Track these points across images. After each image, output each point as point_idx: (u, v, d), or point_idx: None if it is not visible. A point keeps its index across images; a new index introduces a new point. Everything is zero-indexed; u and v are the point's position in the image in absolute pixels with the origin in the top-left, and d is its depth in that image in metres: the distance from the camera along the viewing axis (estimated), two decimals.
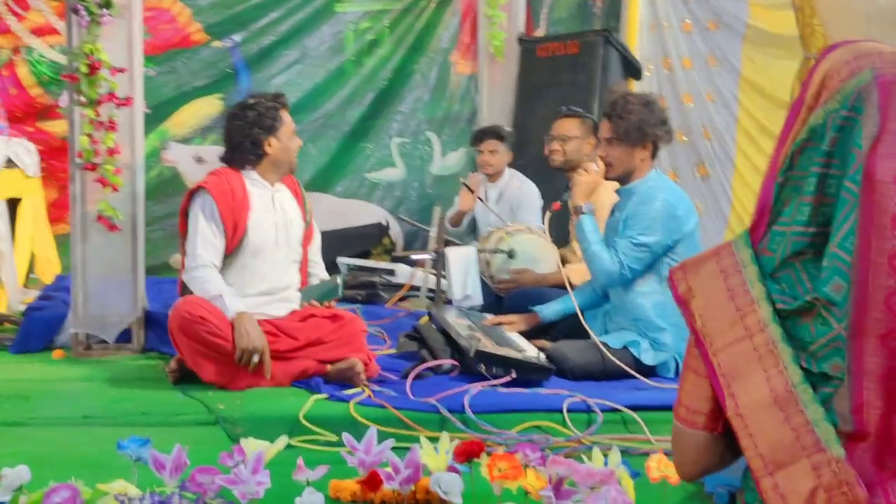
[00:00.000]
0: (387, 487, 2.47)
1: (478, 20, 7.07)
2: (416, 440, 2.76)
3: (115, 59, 4.16)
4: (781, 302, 1.65)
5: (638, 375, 3.79)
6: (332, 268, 4.63)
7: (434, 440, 2.59)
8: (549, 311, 4.24)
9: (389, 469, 2.46)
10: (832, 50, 1.70)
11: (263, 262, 3.87)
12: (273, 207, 3.92)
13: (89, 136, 4.11)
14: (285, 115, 3.89)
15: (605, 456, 2.52)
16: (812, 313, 1.61)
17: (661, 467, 2.55)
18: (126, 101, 4.14)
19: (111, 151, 4.15)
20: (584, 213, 3.98)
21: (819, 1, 3.64)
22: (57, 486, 2.33)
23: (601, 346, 3.82)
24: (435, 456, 2.48)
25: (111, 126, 4.15)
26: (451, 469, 2.47)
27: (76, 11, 4.04)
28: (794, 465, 1.58)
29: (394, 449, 2.53)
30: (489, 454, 2.50)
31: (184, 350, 3.67)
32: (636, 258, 3.86)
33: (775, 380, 1.64)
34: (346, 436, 2.51)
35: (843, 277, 1.57)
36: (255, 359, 3.59)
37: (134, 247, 4.36)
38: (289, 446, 2.69)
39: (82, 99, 4.08)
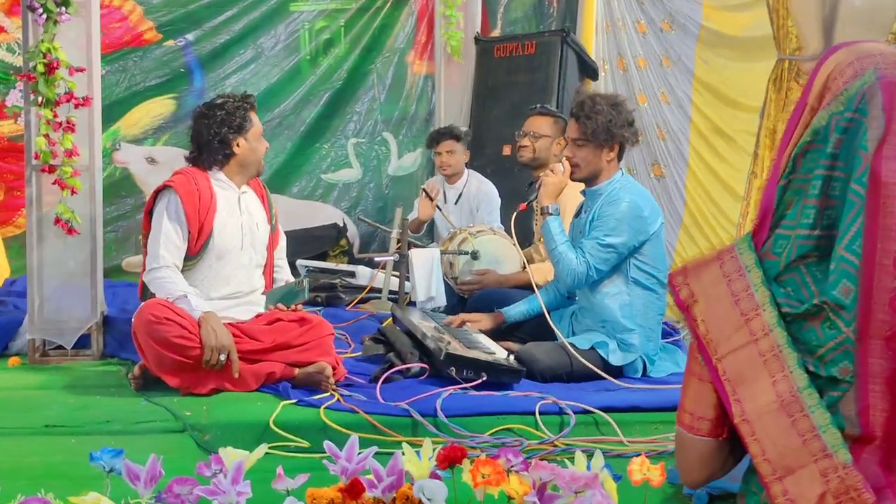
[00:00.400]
0: (368, 495, 2.41)
1: (434, 20, 7.03)
2: (388, 445, 2.72)
3: (73, 58, 4.05)
4: (787, 306, 1.63)
5: (608, 376, 3.79)
6: (292, 270, 4.56)
7: (412, 445, 2.54)
8: (515, 311, 4.22)
9: (371, 476, 2.40)
10: (834, 51, 1.68)
11: (228, 265, 3.81)
12: (239, 210, 3.86)
13: (46, 136, 3.99)
14: (254, 116, 3.85)
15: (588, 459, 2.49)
16: (820, 317, 1.60)
17: (643, 470, 2.53)
18: (85, 101, 4.03)
19: (69, 153, 4.04)
20: (551, 213, 3.96)
21: (793, 3, 3.68)
22: (28, 499, 2.24)
23: (569, 348, 3.81)
24: (418, 462, 2.43)
25: (69, 127, 4.02)
26: (433, 475, 2.43)
27: (32, 9, 3.91)
28: (802, 470, 1.57)
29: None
30: (471, 460, 2.46)
31: (148, 354, 3.59)
32: (602, 259, 3.85)
33: (781, 384, 1.62)
34: (327, 443, 2.45)
35: (852, 280, 1.56)
36: (223, 357, 3.51)
37: (92, 250, 4.25)
38: None
39: (39, 99, 3.95)
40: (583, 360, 3.78)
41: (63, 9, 3.91)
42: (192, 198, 3.72)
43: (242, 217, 3.86)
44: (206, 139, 3.77)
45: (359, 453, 2.43)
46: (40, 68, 3.91)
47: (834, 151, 1.61)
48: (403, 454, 2.43)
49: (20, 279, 5.59)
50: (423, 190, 5.69)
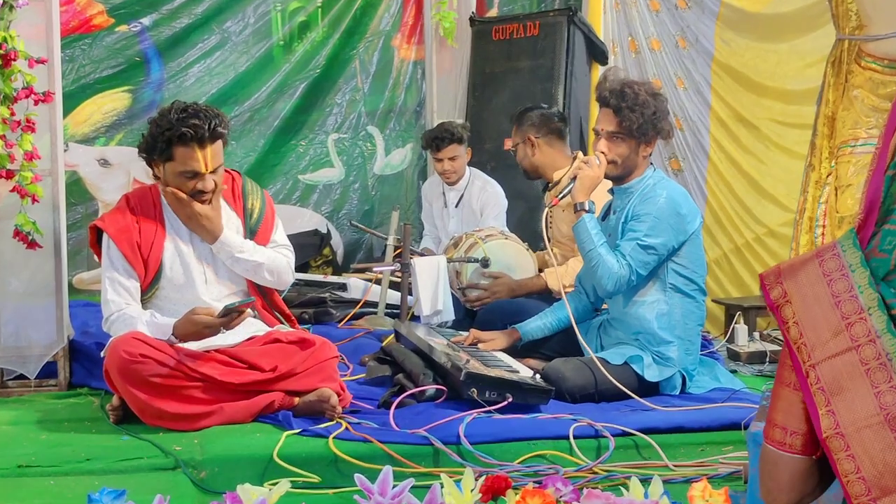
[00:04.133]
0: None
1: None
2: (406, 477, 2.75)
3: (31, 48, 4.03)
4: None
5: (639, 398, 3.81)
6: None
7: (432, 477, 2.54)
8: (532, 327, 4.24)
9: None
10: None
11: (194, 298, 3.77)
12: (191, 239, 3.84)
13: (3, 138, 3.97)
14: (181, 151, 3.66)
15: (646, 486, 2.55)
16: None
17: (705, 496, 2.58)
18: (46, 97, 4.02)
19: (29, 156, 4.01)
20: (587, 211, 3.98)
21: None
22: None
23: (600, 366, 3.83)
24: (459, 495, 2.46)
25: (29, 126, 4.01)
26: None
27: None
28: None
29: None
30: (516, 490, 2.50)
31: (127, 399, 3.59)
32: (643, 262, 3.90)
33: (887, 396, 1.65)
34: (358, 477, 2.48)
35: None
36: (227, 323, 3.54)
37: (57, 266, 4.25)
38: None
39: None
40: (613, 380, 3.81)
41: None
42: (126, 235, 3.74)
43: (196, 248, 3.83)
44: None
45: (393, 486, 2.47)
46: None
47: None
48: (442, 486, 2.47)
49: None
50: None
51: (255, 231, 3.95)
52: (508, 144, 5.13)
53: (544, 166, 4.99)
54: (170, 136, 3.62)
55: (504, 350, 4.18)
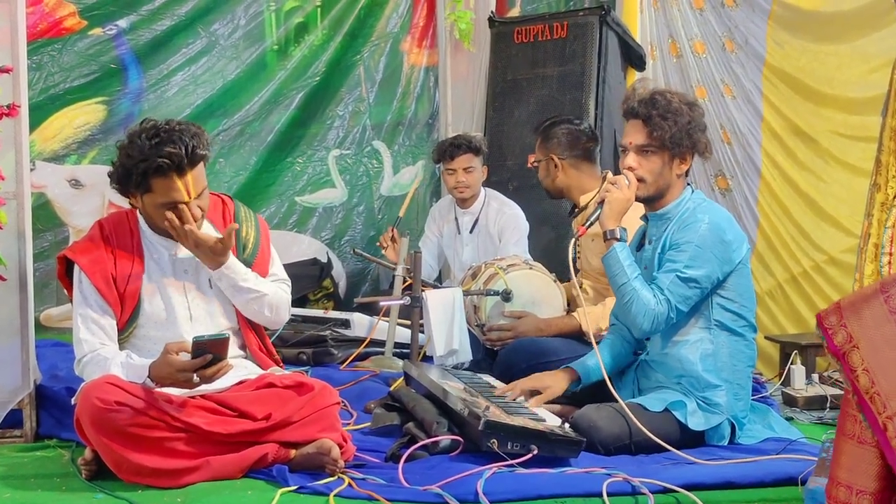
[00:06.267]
0: None
1: None
2: None
3: None
4: None
5: (678, 451, 3.79)
6: None
7: None
8: (594, 366, 4.11)
9: None
10: None
11: (176, 337, 3.74)
12: (173, 270, 3.87)
13: None
14: (161, 183, 3.67)
15: None
16: None
17: None
18: (10, 111, 4.06)
19: None
20: (618, 239, 3.99)
21: None
22: None
23: (632, 416, 3.81)
24: None
25: None
26: None
27: None
28: None
29: None
30: None
31: (101, 452, 3.58)
32: (684, 297, 3.91)
33: None
34: None
35: None
36: (212, 370, 3.48)
37: (22, 301, 4.27)
38: None
39: None
40: (645, 431, 3.79)
41: None
42: (99, 266, 3.76)
43: (180, 279, 3.87)
44: (114, 179, 3.79)
45: None
46: None
47: None
48: None
49: None
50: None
51: (249, 264, 3.98)
52: (532, 160, 5.16)
53: (569, 188, 5.02)
54: (145, 167, 3.64)
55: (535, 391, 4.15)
